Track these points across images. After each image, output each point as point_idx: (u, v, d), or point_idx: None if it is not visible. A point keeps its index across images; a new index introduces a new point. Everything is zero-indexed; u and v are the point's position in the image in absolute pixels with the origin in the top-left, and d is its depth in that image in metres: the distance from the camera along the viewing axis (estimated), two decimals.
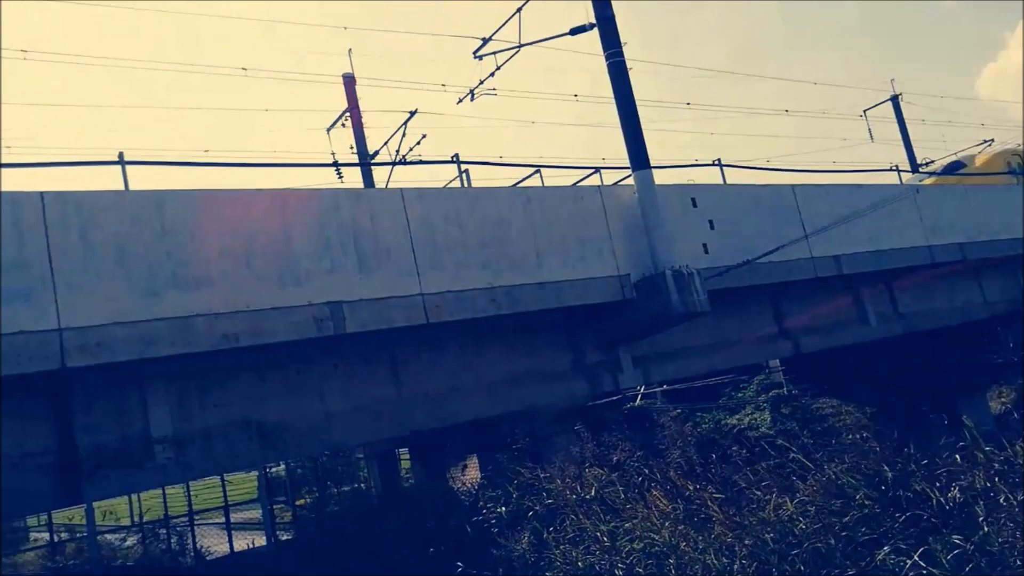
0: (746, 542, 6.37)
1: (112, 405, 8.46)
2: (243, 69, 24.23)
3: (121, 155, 9.22)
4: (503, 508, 8.70)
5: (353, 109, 20.93)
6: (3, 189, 7.51)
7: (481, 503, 9.05)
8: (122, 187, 8.75)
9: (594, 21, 12.52)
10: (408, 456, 19.90)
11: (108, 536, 18.55)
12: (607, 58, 12.10)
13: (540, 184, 13.00)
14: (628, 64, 12.20)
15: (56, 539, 20.84)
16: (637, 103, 12.15)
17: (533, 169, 13.31)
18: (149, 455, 8.38)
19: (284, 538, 13.77)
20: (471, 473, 16.29)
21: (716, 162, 14.25)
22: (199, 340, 7.98)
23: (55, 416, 8.22)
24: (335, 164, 14.61)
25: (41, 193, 7.61)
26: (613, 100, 12.17)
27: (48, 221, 7.51)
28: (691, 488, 7.54)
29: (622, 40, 12.28)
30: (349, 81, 21.02)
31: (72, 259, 7.55)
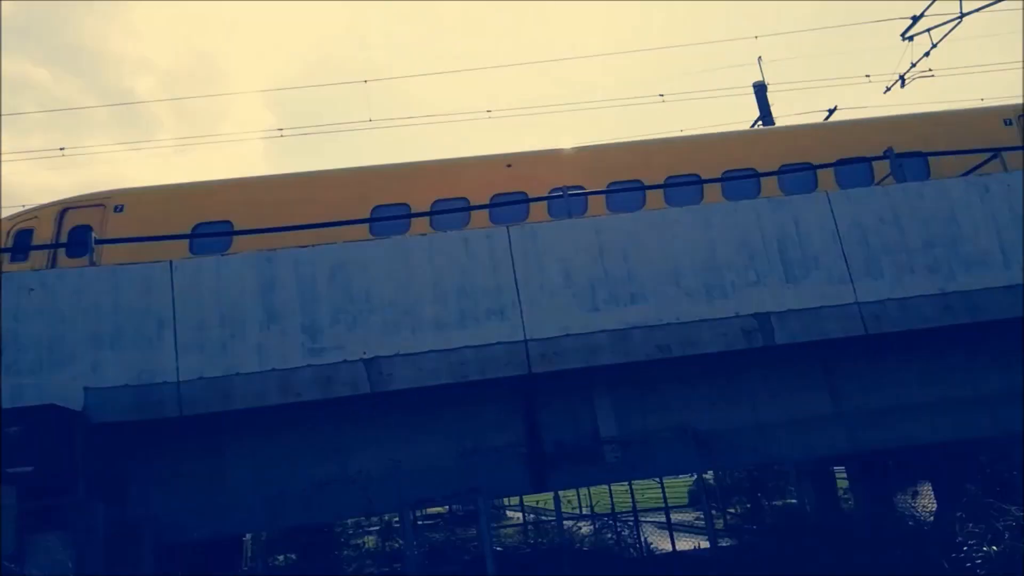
0: None
1: (566, 407, 9.77)
2: (660, 96, 25.53)
3: (564, 190, 10.66)
4: (993, 547, 7.51)
5: (765, 116, 20.63)
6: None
7: (959, 539, 7.97)
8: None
9: None
10: (845, 475, 18.54)
11: (566, 522, 21.04)
12: None
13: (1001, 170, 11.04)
14: None
15: (525, 520, 24.40)
16: None
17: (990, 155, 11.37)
18: (599, 453, 9.43)
19: (721, 544, 14.00)
20: (923, 501, 14.47)
21: None
22: (636, 350, 8.77)
23: (524, 415, 9.78)
24: (758, 175, 14.47)
25: (507, 226, 9.22)
26: None
27: (513, 249, 9.04)
28: None
29: None
30: (760, 89, 20.84)
31: (531, 281, 8.95)
